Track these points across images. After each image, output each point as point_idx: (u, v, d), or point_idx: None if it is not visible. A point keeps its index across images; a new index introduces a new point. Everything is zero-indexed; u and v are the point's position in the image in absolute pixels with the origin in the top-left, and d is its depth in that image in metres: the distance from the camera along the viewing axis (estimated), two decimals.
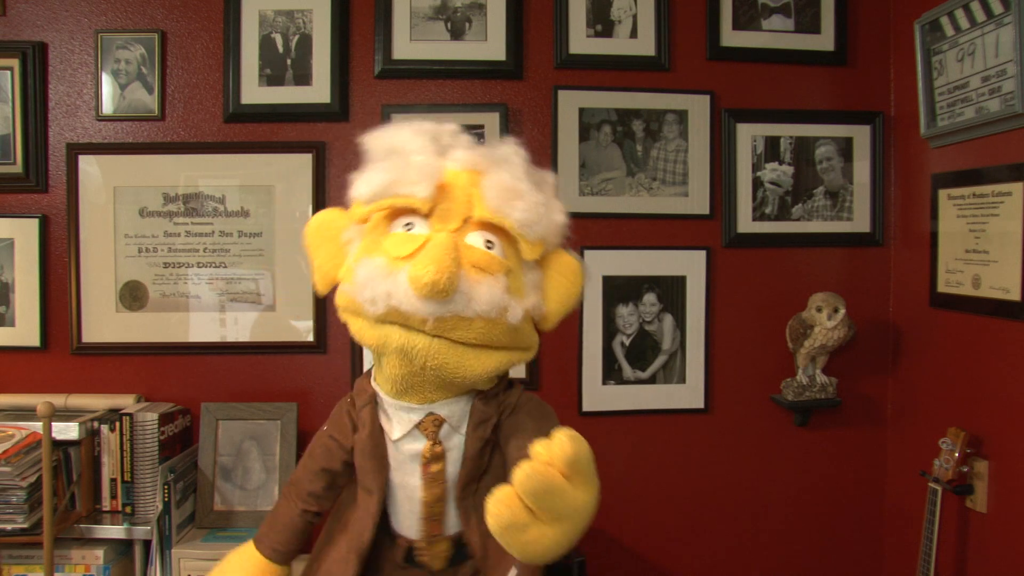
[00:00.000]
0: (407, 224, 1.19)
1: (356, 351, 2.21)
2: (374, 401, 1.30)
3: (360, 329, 1.21)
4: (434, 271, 1.08)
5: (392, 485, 1.31)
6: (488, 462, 1.31)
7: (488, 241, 1.20)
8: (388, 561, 1.35)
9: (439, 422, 1.26)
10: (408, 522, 1.32)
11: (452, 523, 1.33)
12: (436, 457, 1.26)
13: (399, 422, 1.27)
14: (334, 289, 1.28)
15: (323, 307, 2.20)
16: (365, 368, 2.19)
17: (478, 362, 1.19)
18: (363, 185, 1.19)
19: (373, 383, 1.31)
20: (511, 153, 1.27)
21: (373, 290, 1.14)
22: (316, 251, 1.29)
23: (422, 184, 1.17)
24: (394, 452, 1.29)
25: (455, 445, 1.28)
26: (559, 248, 1.29)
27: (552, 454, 1.02)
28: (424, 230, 1.18)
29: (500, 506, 1.02)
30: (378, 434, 1.29)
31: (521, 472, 1.00)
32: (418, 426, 1.26)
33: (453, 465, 1.28)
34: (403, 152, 1.22)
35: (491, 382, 1.28)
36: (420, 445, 1.27)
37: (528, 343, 1.26)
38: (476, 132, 2.20)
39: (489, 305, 1.14)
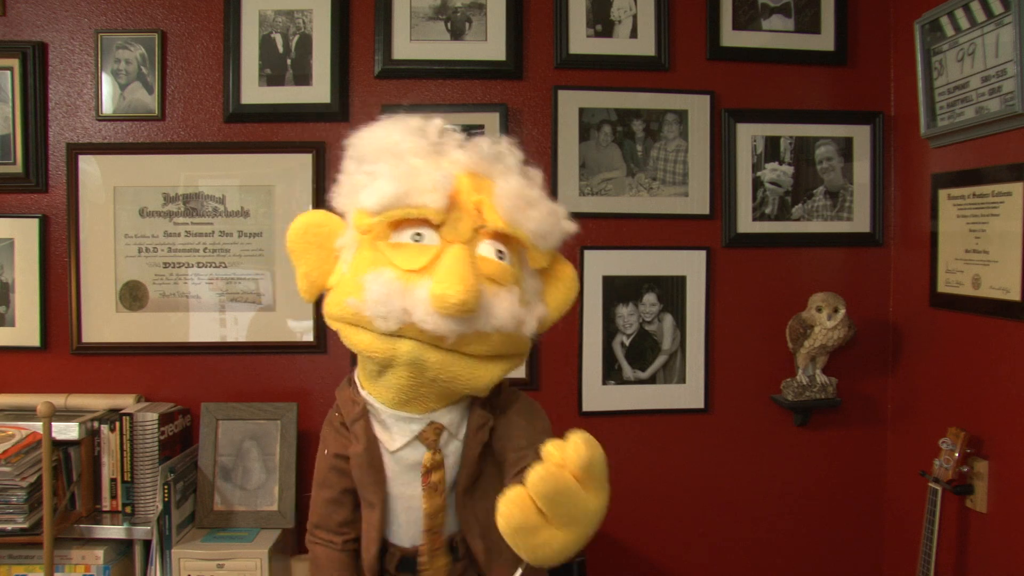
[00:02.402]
0: (416, 235, 1.14)
1: None
2: (366, 413, 1.26)
3: (362, 341, 1.15)
4: (462, 290, 1.05)
5: (390, 496, 1.28)
6: (483, 465, 1.30)
7: (499, 251, 1.17)
8: (384, 571, 1.33)
9: (439, 430, 1.24)
10: (405, 531, 1.30)
11: (448, 527, 1.31)
12: (436, 466, 1.24)
13: (399, 432, 1.24)
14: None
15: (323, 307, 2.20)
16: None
17: (487, 373, 1.18)
18: (372, 195, 1.14)
19: (363, 393, 1.26)
20: (504, 152, 1.25)
21: (388, 306, 1.10)
22: (302, 256, 1.22)
23: (436, 194, 1.12)
24: (391, 463, 1.26)
25: (453, 451, 1.26)
26: (557, 254, 1.28)
27: (566, 457, 1.01)
28: (434, 241, 1.14)
29: (512, 507, 1.01)
30: (374, 446, 1.26)
31: (535, 474, 0.99)
32: (418, 436, 1.24)
33: (450, 471, 1.27)
34: (398, 154, 1.18)
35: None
36: (419, 454, 1.24)
37: (526, 349, 1.25)
38: (476, 132, 2.19)
39: (509, 320, 1.13)
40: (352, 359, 2.21)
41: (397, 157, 1.18)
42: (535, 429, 1.27)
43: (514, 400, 1.31)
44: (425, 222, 1.14)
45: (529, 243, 1.17)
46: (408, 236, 1.15)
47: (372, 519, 1.28)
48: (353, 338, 1.17)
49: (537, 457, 1.09)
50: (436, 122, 1.25)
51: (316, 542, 1.33)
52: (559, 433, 1.22)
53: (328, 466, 1.31)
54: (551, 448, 1.03)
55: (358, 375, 1.29)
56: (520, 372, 2.21)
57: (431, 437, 1.23)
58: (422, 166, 1.16)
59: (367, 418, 1.26)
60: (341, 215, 1.26)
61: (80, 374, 2.19)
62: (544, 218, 1.18)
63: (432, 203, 1.12)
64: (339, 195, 1.25)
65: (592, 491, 1.04)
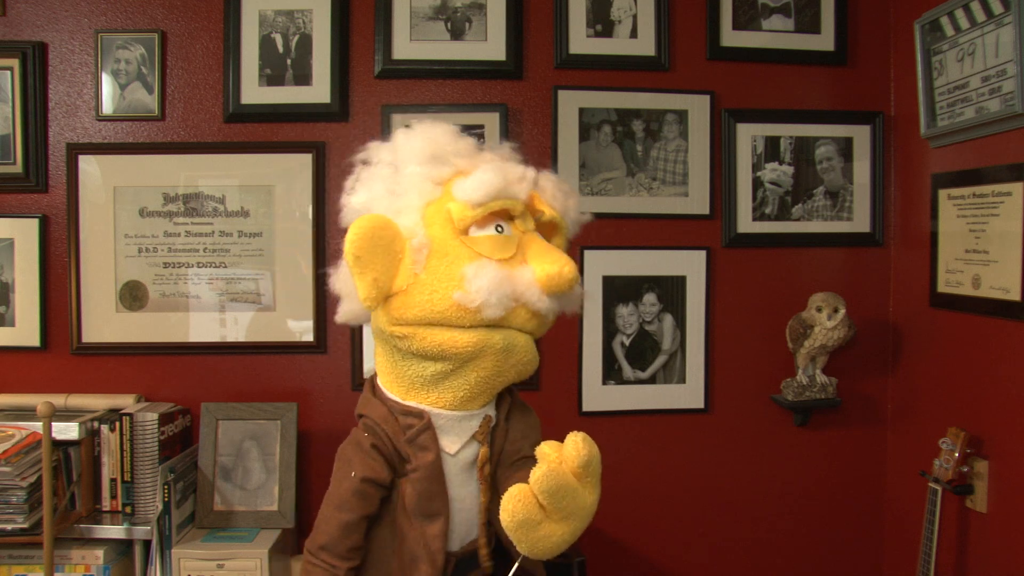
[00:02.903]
0: (498, 226, 1.21)
1: (356, 351, 2.21)
2: (431, 423, 1.25)
3: (448, 338, 1.17)
4: (573, 267, 1.16)
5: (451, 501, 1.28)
6: None
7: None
8: None
9: (490, 421, 1.29)
10: (457, 535, 1.30)
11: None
12: (486, 459, 1.28)
13: (458, 433, 1.26)
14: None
15: (323, 307, 2.20)
16: (365, 373, 2.19)
17: (537, 354, 1.27)
18: (477, 188, 1.18)
19: (419, 405, 1.25)
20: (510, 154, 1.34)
21: (497, 294, 1.15)
22: (370, 262, 1.17)
23: (523, 186, 1.22)
24: (451, 467, 1.26)
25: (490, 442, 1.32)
26: None
27: (566, 455, 1.09)
28: (510, 232, 1.22)
29: (516, 503, 1.08)
30: (441, 453, 1.26)
31: (539, 472, 1.06)
32: (475, 435, 1.28)
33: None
34: (442, 155, 1.24)
35: None
36: (472, 452, 1.28)
37: None
38: (476, 132, 2.20)
39: (579, 298, 1.28)
40: (352, 359, 2.21)
41: (442, 159, 1.24)
42: (529, 425, 1.35)
43: (507, 392, 1.35)
44: (506, 214, 1.22)
45: (567, 231, 1.29)
46: (492, 229, 1.21)
47: (433, 531, 1.24)
48: (436, 338, 1.18)
49: (531, 451, 1.17)
50: (454, 128, 1.33)
51: (317, 564, 1.27)
52: (557, 431, 1.23)
53: (352, 489, 1.26)
54: (547, 449, 1.12)
55: (395, 391, 1.28)
56: None
57: (484, 429, 1.28)
58: (504, 164, 1.25)
59: (433, 428, 1.25)
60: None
61: (80, 374, 2.19)
62: (577, 208, 1.31)
63: (521, 194, 1.22)
64: (382, 196, 1.23)
65: (588, 487, 1.12)
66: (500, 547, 1.33)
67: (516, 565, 1.22)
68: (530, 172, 1.25)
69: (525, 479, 1.12)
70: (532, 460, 1.18)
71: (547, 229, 1.29)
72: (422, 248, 1.19)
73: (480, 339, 1.18)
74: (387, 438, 1.25)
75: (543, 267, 1.17)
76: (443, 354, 1.19)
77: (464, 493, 1.28)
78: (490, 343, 1.18)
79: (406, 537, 1.26)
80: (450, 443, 1.26)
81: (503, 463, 1.30)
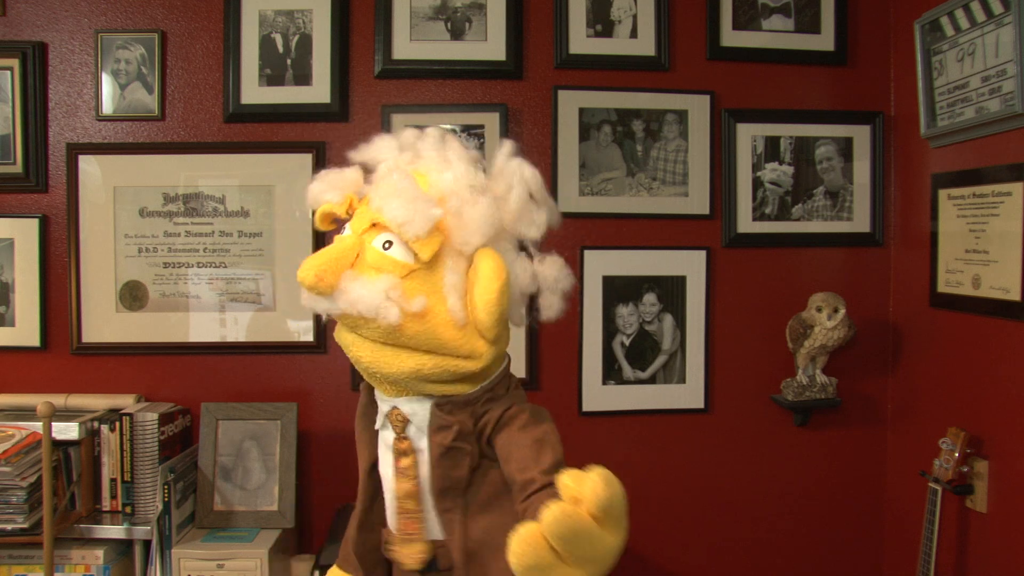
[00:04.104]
0: (339, 229, 1.27)
1: None
2: (368, 386, 1.35)
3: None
4: (304, 269, 1.15)
5: (381, 476, 1.34)
6: (470, 475, 1.25)
7: (387, 242, 1.19)
8: (382, 546, 1.37)
9: (401, 417, 1.27)
10: (388, 512, 1.33)
11: (433, 529, 1.28)
12: (403, 452, 1.27)
13: (379, 411, 1.31)
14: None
15: None
16: None
17: (394, 361, 1.20)
18: (307, 198, 1.30)
19: None
20: (454, 155, 1.27)
21: (305, 295, 1.20)
22: None
23: (334, 191, 1.26)
24: (380, 441, 1.32)
25: (423, 447, 1.25)
26: (487, 248, 1.21)
27: (584, 495, 0.97)
28: (345, 232, 1.24)
29: (524, 546, 0.98)
30: (366, 417, 1.34)
31: (551, 515, 0.96)
32: (387, 417, 1.28)
33: (425, 466, 1.26)
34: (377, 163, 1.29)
35: (448, 387, 1.23)
36: (390, 434, 1.29)
37: (460, 350, 1.20)
38: (476, 132, 2.20)
39: (362, 304, 1.16)
40: None
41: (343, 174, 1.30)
42: (542, 447, 1.21)
43: (517, 414, 1.25)
44: (341, 218, 1.26)
45: (393, 231, 1.19)
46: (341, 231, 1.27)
47: (360, 486, 1.37)
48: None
49: (547, 482, 1.08)
50: (430, 131, 1.32)
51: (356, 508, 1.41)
52: (563, 432, 1.22)
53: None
54: (567, 480, 1.00)
55: None
56: (520, 372, 2.21)
57: (396, 422, 1.27)
58: (337, 171, 1.28)
59: (364, 388, 1.36)
60: None
61: (80, 374, 2.19)
62: (404, 206, 1.17)
63: (332, 199, 1.25)
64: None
65: (609, 529, 1.00)
66: (432, 563, 1.29)
67: None
68: (343, 176, 1.27)
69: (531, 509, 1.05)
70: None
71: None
72: None
73: (335, 331, 1.27)
74: None
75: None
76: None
77: (387, 475, 1.30)
78: (335, 336, 1.26)
79: None
80: (377, 417, 1.32)
81: (515, 495, 1.20)
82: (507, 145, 1.30)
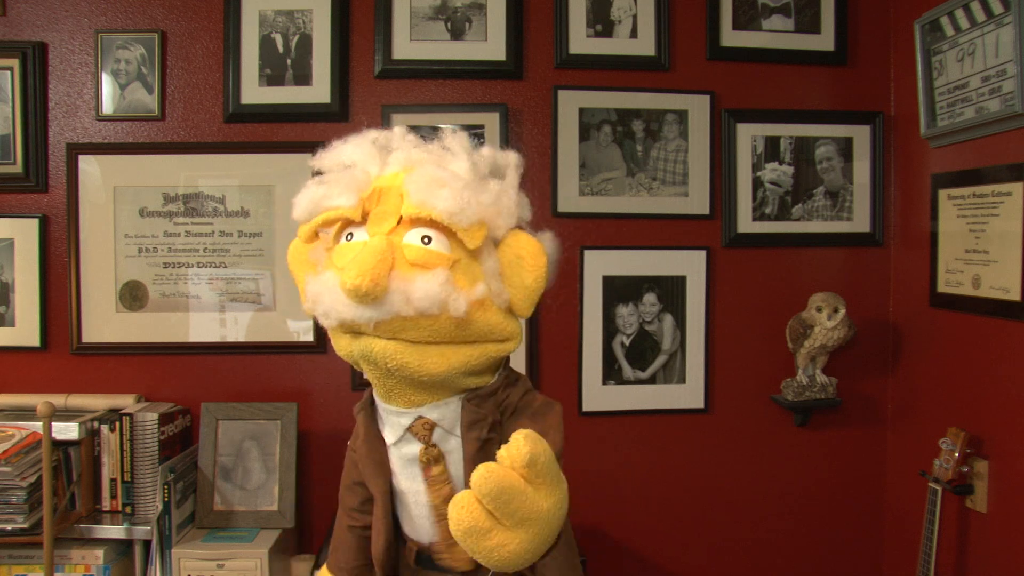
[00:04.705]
0: (348, 235, 1.18)
1: None
2: (371, 406, 1.29)
3: (338, 345, 1.21)
4: (355, 275, 1.06)
5: (398, 491, 1.29)
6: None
7: (425, 237, 1.16)
8: (402, 566, 1.34)
9: (429, 425, 1.24)
10: (418, 525, 1.30)
11: None
12: (434, 459, 1.24)
13: (391, 427, 1.26)
14: None
15: None
16: None
17: (442, 359, 1.17)
18: (296, 207, 1.20)
19: (370, 389, 1.30)
20: (454, 144, 1.25)
21: (323, 304, 1.12)
22: (298, 275, 1.28)
23: (346, 194, 1.17)
24: (394, 457, 1.27)
25: (454, 448, 1.26)
26: (517, 231, 1.24)
27: (510, 455, 1.01)
28: (363, 237, 1.17)
29: (460, 510, 1.01)
30: (374, 439, 1.28)
31: (477, 474, 0.99)
32: (410, 430, 1.24)
33: (456, 467, 1.26)
34: (350, 166, 1.23)
35: (480, 378, 1.25)
36: (416, 449, 1.25)
37: (502, 333, 1.22)
38: (476, 132, 2.20)
39: (427, 300, 1.11)
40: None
41: (348, 167, 1.22)
42: (545, 437, 1.25)
43: (529, 402, 1.29)
44: (352, 221, 1.18)
45: (445, 223, 1.15)
46: (344, 237, 1.19)
47: (377, 511, 1.31)
48: (334, 344, 1.22)
49: None
50: (397, 131, 1.29)
51: (339, 513, 1.42)
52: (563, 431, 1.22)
53: (347, 456, 1.40)
54: (501, 451, 1.03)
55: None
56: (520, 371, 2.21)
57: (421, 432, 1.24)
58: (339, 173, 1.21)
59: (367, 411, 1.30)
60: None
61: (80, 374, 2.19)
62: (454, 195, 1.15)
63: (344, 202, 1.16)
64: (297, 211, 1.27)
65: (542, 488, 1.03)
66: None
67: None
68: (355, 178, 1.19)
69: None
70: None
71: (437, 225, 1.16)
72: (320, 261, 1.24)
73: (347, 344, 1.18)
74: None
75: (340, 276, 1.10)
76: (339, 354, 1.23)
77: (414, 488, 1.27)
78: (352, 350, 1.17)
79: (374, 514, 1.34)
80: (387, 434, 1.28)
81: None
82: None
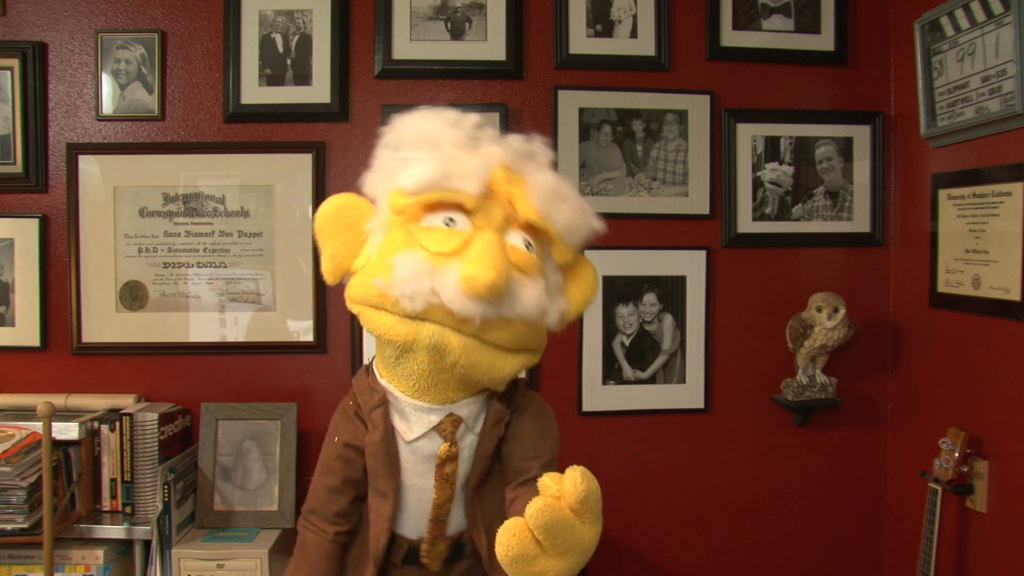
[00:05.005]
0: (448, 219, 1.15)
1: (356, 350, 2.21)
2: (386, 401, 1.26)
3: (384, 324, 1.15)
4: (494, 272, 1.06)
5: (403, 487, 1.28)
6: (495, 461, 1.30)
7: (527, 242, 1.18)
8: (388, 562, 1.34)
9: (458, 422, 1.24)
10: (413, 523, 1.31)
11: (456, 523, 1.31)
12: (451, 458, 1.24)
13: (417, 423, 1.24)
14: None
15: (323, 307, 2.20)
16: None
17: (507, 364, 1.18)
18: (411, 175, 1.15)
19: (383, 382, 1.26)
20: (537, 151, 1.26)
21: (416, 286, 1.10)
22: (330, 238, 1.22)
23: (473, 180, 1.14)
24: (407, 454, 1.26)
25: (468, 445, 1.26)
26: (580, 252, 1.28)
27: (564, 490, 1.04)
28: (466, 227, 1.15)
29: (511, 537, 1.03)
30: (391, 435, 1.25)
31: (534, 507, 1.01)
32: (436, 427, 1.23)
33: (463, 464, 1.27)
34: (435, 142, 1.19)
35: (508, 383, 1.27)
36: (435, 445, 1.24)
37: (543, 344, 1.25)
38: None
39: (534, 307, 1.13)
40: (352, 359, 2.22)
41: (434, 145, 1.19)
42: (544, 440, 1.29)
43: (529, 402, 1.31)
44: (459, 207, 1.15)
45: (558, 237, 1.18)
46: (440, 220, 1.16)
47: (383, 509, 1.28)
48: (375, 320, 1.16)
49: (541, 472, 1.12)
50: (472, 117, 1.27)
51: (308, 528, 1.33)
52: (563, 431, 1.23)
53: (335, 454, 1.31)
54: (548, 481, 1.06)
55: (376, 363, 1.29)
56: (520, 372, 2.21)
57: (448, 429, 1.23)
58: (461, 154, 1.18)
59: (386, 406, 1.25)
60: (372, 201, 1.26)
61: (80, 374, 2.19)
62: (574, 213, 1.19)
63: (469, 188, 1.14)
64: (372, 180, 1.25)
65: (587, 523, 1.06)
66: (458, 551, 1.33)
67: None
68: (485, 167, 1.16)
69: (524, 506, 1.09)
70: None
71: (537, 233, 1.20)
72: (377, 232, 1.21)
73: (411, 331, 1.13)
74: (361, 409, 1.28)
75: (466, 267, 1.08)
76: (382, 338, 1.18)
77: (422, 484, 1.26)
78: (419, 337, 1.13)
79: (369, 509, 1.30)
80: (407, 429, 1.25)
81: (509, 479, 1.27)
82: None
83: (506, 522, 1.05)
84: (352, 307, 1.21)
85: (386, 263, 1.14)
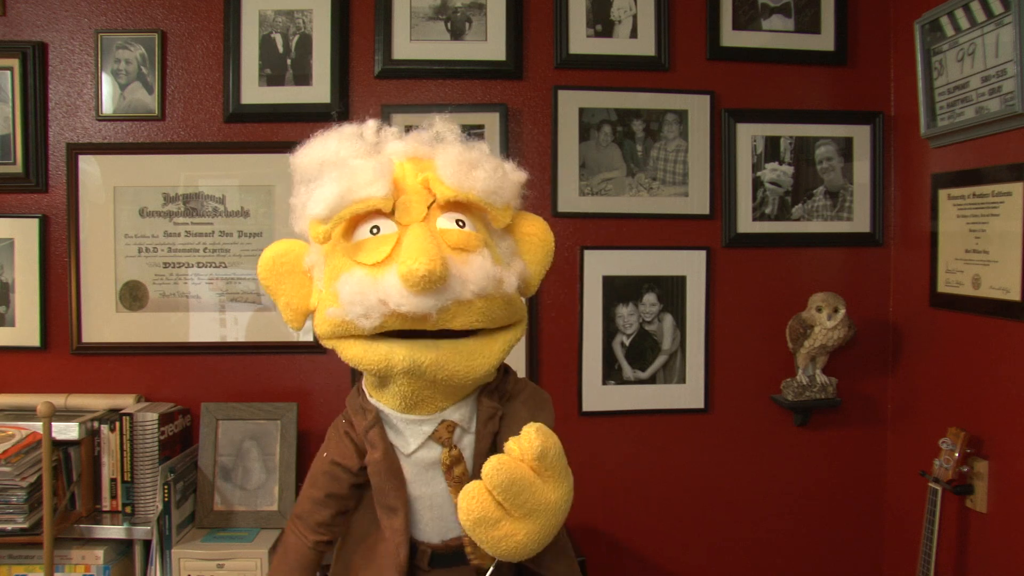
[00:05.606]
0: (373, 228, 1.15)
1: None
2: (379, 420, 1.25)
3: (356, 354, 1.15)
4: (426, 260, 1.04)
5: (412, 498, 1.27)
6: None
7: (458, 220, 1.16)
8: (415, 567, 1.32)
9: (452, 427, 1.24)
10: (432, 528, 1.29)
11: None
12: (456, 460, 1.24)
13: (412, 435, 1.24)
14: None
15: None
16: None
17: (487, 353, 1.17)
18: (316, 203, 1.13)
19: (372, 401, 1.26)
20: (442, 132, 1.25)
21: (364, 303, 1.09)
22: (278, 288, 1.23)
23: (377, 183, 1.12)
24: (409, 466, 1.26)
25: (467, 445, 1.26)
26: (520, 211, 1.27)
27: (522, 448, 1.03)
28: (392, 229, 1.14)
29: (470, 500, 1.03)
30: (391, 452, 1.25)
31: (488, 465, 1.02)
32: (431, 436, 1.24)
33: (471, 463, 1.27)
34: (337, 161, 1.18)
35: (495, 372, 1.26)
36: (435, 454, 1.24)
37: (521, 314, 1.24)
38: (476, 132, 2.20)
39: (485, 280, 1.11)
40: None
41: (338, 164, 1.18)
42: (535, 420, 1.28)
43: (522, 388, 1.31)
44: (378, 213, 1.14)
45: (483, 203, 1.16)
46: (366, 232, 1.15)
47: (396, 523, 1.26)
48: (348, 352, 1.17)
49: None
50: (371, 123, 1.27)
51: (292, 531, 1.34)
52: (558, 432, 1.22)
53: (322, 469, 1.32)
54: (511, 443, 1.05)
55: (365, 383, 1.30)
56: (520, 372, 2.21)
57: (444, 435, 1.23)
58: (359, 163, 1.16)
59: (380, 425, 1.25)
60: (304, 239, 1.25)
61: (80, 374, 2.19)
62: (490, 176, 1.16)
63: (375, 192, 1.12)
64: (294, 220, 1.24)
65: (551, 481, 1.05)
66: None
67: (491, 570, 1.19)
68: (385, 166, 1.15)
69: None
70: None
71: (465, 208, 1.17)
72: (318, 265, 1.21)
73: (382, 358, 1.12)
74: (353, 429, 1.28)
75: (400, 266, 1.06)
76: (358, 368, 1.18)
77: (431, 492, 1.26)
78: (392, 363, 1.12)
79: (381, 526, 1.29)
80: (404, 443, 1.24)
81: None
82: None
83: (465, 486, 1.05)
84: (324, 344, 1.22)
85: (332, 291, 1.15)
